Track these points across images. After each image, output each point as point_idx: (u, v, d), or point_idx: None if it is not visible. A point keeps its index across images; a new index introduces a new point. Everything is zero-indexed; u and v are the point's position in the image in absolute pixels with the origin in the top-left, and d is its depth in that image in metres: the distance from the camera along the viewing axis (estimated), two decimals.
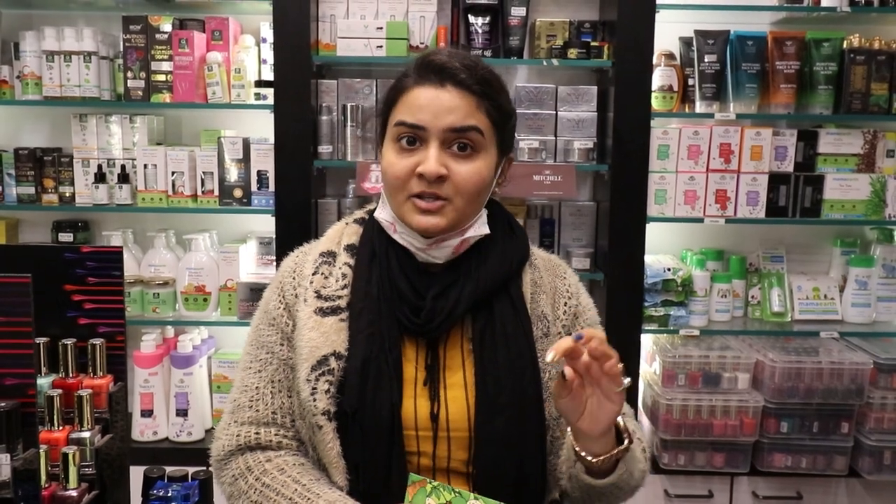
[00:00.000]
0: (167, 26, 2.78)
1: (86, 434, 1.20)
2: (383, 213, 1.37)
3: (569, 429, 1.25)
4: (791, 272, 2.99)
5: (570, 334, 1.38)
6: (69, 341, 1.26)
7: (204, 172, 2.84)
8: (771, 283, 2.94)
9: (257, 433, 1.34)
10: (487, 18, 2.79)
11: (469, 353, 1.33)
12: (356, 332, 1.31)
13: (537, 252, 1.47)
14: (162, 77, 2.80)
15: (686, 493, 2.80)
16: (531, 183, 2.67)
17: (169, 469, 1.29)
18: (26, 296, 1.05)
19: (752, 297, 2.98)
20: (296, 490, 1.26)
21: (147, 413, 2.84)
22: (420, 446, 1.30)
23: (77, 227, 2.97)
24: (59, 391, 1.20)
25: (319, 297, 1.34)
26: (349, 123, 2.75)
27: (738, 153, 2.79)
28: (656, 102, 2.78)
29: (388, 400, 1.27)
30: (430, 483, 1.23)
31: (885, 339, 2.93)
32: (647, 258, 2.80)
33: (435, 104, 1.27)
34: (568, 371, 1.15)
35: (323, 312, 1.33)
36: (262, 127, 2.88)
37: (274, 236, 2.76)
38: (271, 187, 2.77)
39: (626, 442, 1.23)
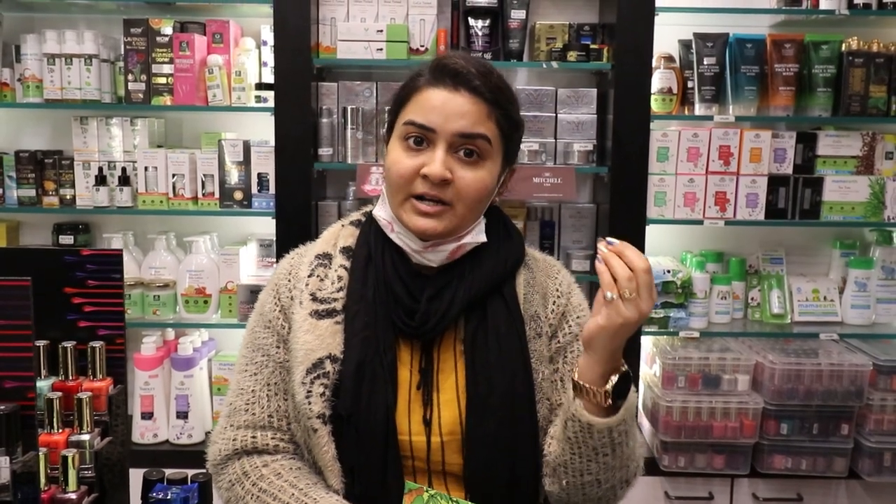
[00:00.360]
0: (168, 29, 2.79)
1: (85, 437, 1.20)
2: (382, 212, 1.37)
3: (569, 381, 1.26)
4: (790, 274, 2.99)
5: (556, 334, 1.40)
6: (69, 344, 1.27)
7: (204, 175, 2.85)
8: (770, 284, 2.94)
9: (254, 437, 1.34)
10: (487, 21, 2.79)
11: (461, 355, 1.33)
12: (351, 334, 1.31)
13: (533, 253, 1.47)
14: (163, 80, 2.80)
15: (686, 495, 2.80)
16: (531, 185, 2.68)
17: (168, 471, 1.29)
18: (26, 299, 1.06)
19: (752, 298, 2.98)
20: (292, 494, 1.26)
21: (147, 415, 2.84)
22: (414, 450, 1.30)
23: (78, 229, 2.97)
24: (59, 394, 1.20)
25: (315, 299, 1.34)
26: (349, 126, 2.76)
27: (738, 155, 2.79)
28: (656, 105, 2.78)
29: (382, 403, 1.27)
30: (428, 491, 1.23)
31: (884, 340, 2.93)
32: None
33: (447, 107, 1.27)
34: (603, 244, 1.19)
35: (318, 315, 1.33)
36: (262, 129, 2.88)
37: (274, 238, 2.77)
38: (272, 190, 2.78)
39: (623, 368, 1.23)
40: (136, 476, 1.32)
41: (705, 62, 2.78)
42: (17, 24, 2.97)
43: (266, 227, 2.86)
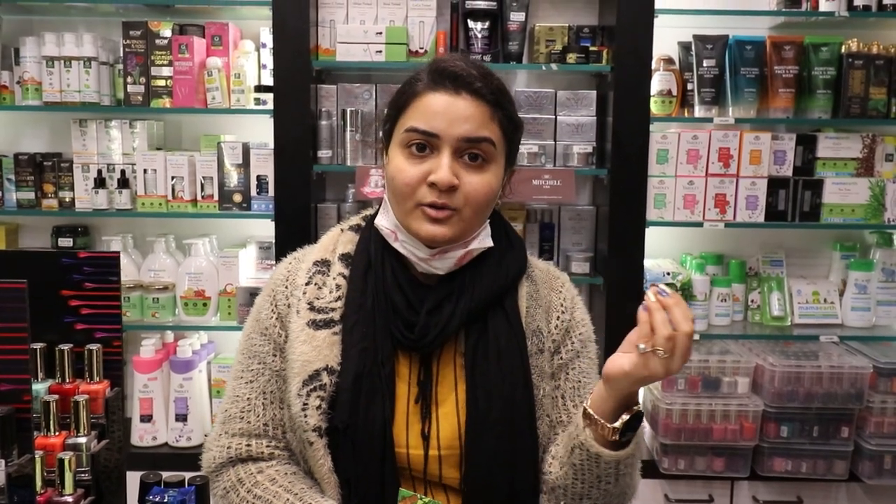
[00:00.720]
0: (167, 32, 2.79)
1: (82, 440, 1.19)
2: (384, 221, 1.33)
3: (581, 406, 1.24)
4: (791, 276, 2.99)
5: (559, 350, 1.37)
6: (66, 347, 1.26)
7: (204, 177, 2.85)
8: (770, 287, 2.94)
9: (248, 445, 1.33)
10: (487, 23, 2.79)
11: (461, 369, 1.30)
12: (349, 346, 1.29)
13: (537, 264, 1.44)
14: (162, 82, 2.80)
15: (686, 497, 2.80)
16: (530, 187, 2.68)
17: (165, 474, 1.29)
18: (22, 301, 1.05)
19: (752, 301, 2.97)
20: (288, 500, 1.25)
21: (146, 418, 2.84)
22: (411, 463, 1.28)
23: (77, 232, 2.97)
24: (56, 397, 1.20)
25: (312, 308, 1.32)
26: (349, 128, 2.76)
27: (738, 157, 2.79)
28: (655, 107, 2.78)
29: (380, 416, 1.25)
30: (421, 499, 1.23)
31: (884, 343, 2.93)
32: (647, 262, 2.79)
33: (450, 112, 1.24)
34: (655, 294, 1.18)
35: (316, 325, 1.30)
36: (261, 132, 2.88)
37: (273, 241, 2.76)
38: (271, 192, 2.77)
39: (636, 407, 1.21)
40: (134, 479, 1.31)
41: (705, 64, 2.78)
42: (16, 26, 2.97)
43: (265, 229, 2.86)
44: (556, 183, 2.70)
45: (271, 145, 2.73)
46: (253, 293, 2.77)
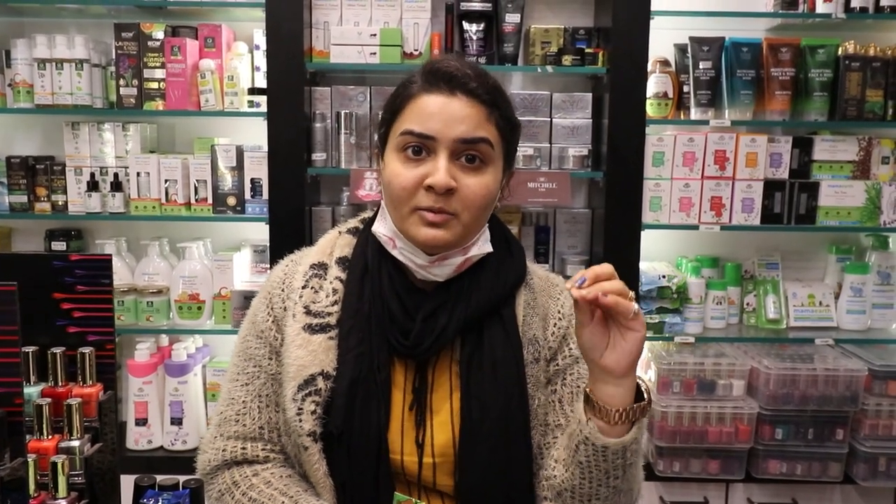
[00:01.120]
0: (159, 34, 2.78)
1: (75, 443, 1.18)
2: (382, 228, 1.31)
3: (579, 401, 1.21)
4: (786, 279, 2.99)
5: (555, 357, 1.35)
6: (58, 350, 1.25)
7: (197, 180, 2.83)
8: (766, 289, 2.94)
9: (244, 448, 1.32)
10: (482, 25, 2.78)
11: (457, 377, 1.29)
12: (345, 351, 1.27)
13: (536, 271, 1.42)
14: (154, 84, 2.79)
15: (682, 500, 2.79)
16: (526, 190, 2.67)
17: (160, 478, 1.28)
18: (12, 304, 1.04)
19: (748, 304, 2.97)
20: (283, 503, 1.24)
21: (141, 422, 2.83)
22: (405, 470, 1.27)
23: (70, 235, 2.96)
24: (48, 400, 1.19)
25: (308, 312, 1.30)
26: (343, 131, 2.75)
27: (734, 160, 2.79)
28: (651, 109, 2.78)
29: (375, 422, 1.24)
30: (417, 503, 1.22)
31: (879, 345, 2.93)
32: (643, 265, 2.79)
33: (445, 113, 1.22)
34: (576, 292, 1.10)
35: (312, 329, 1.29)
36: (255, 134, 2.87)
37: (268, 244, 2.75)
38: (265, 195, 2.76)
39: (645, 397, 1.17)
40: (128, 482, 1.30)
41: (701, 66, 2.78)
42: (6, 28, 2.96)
43: (260, 232, 2.85)
44: (551, 186, 2.70)
45: (265, 148, 2.72)
46: (247, 296, 2.76)
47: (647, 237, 2.76)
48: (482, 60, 2.75)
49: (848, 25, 2.85)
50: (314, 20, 2.76)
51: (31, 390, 1.22)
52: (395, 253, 1.29)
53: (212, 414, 2.91)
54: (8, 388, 1.05)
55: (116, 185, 2.82)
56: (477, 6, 2.77)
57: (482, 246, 1.30)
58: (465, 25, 2.79)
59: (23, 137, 3.04)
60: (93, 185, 2.82)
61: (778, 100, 2.78)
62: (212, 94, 2.79)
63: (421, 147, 1.23)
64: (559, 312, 1.37)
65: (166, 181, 2.82)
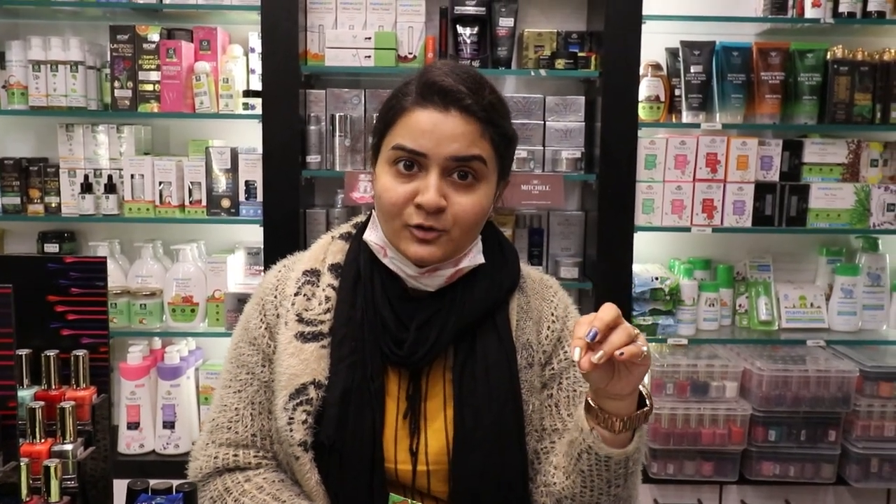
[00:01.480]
0: (155, 36, 2.78)
1: (68, 447, 1.18)
2: (373, 237, 1.30)
3: (579, 409, 1.19)
4: (778, 281, 3.00)
5: (550, 360, 1.34)
6: (52, 353, 1.25)
7: (191, 182, 2.84)
8: (758, 291, 2.95)
9: (235, 455, 1.31)
10: (475, 29, 2.79)
11: (451, 384, 1.28)
12: (338, 360, 1.26)
13: (530, 273, 1.40)
14: (149, 87, 2.79)
15: (675, 502, 2.80)
16: (520, 193, 2.68)
17: (153, 482, 1.28)
18: (7, 306, 1.04)
19: (740, 305, 2.99)
20: None
21: (133, 425, 2.82)
22: (399, 477, 1.27)
23: (63, 237, 2.96)
24: (42, 403, 1.18)
25: (301, 320, 1.29)
26: (337, 133, 2.75)
27: (725, 163, 2.80)
28: (643, 112, 2.79)
29: (369, 432, 1.23)
30: (412, 503, 1.22)
31: (870, 346, 2.95)
32: (635, 267, 2.80)
33: (437, 130, 1.19)
34: (584, 362, 1.06)
35: (304, 338, 1.28)
36: (250, 137, 2.88)
37: (262, 246, 2.75)
38: (259, 197, 2.77)
39: (647, 403, 1.16)
40: (121, 487, 1.30)
41: (692, 70, 2.79)
42: (1, 30, 2.96)
43: (254, 234, 2.85)
44: (545, 188, 2.71)
45: (260, 150, 2.72)
46: (241, 299, 2.76)
47: (639, 239, 2.77)
48: (476, 64, 2.76)
49: (836, 30, 2.87)
50: (309, 23, 2.77)
51: (25, 393, 1.22)
52: (385, 262, 1.28)
53: (204, 418, 2.91)
54: (2, 392, 1.06)
55: (110, 187, 2.82)
56: (471, 10, 2.78)
57: (474, 257, 1.29)
58: (459, 29, 2.80)
59: (16, 139, 3.03)
60: (86, 187, 2.82)
61: (768, 103, 2.80)
62: (207, 96, 2.79)
63: (413, 162, 1.21)
64: (552, 315, 1.36)
65: (160, 183, 2.82)
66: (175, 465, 2.70)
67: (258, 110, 2.72)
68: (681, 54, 2.81)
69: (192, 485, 1.26)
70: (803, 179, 2.85)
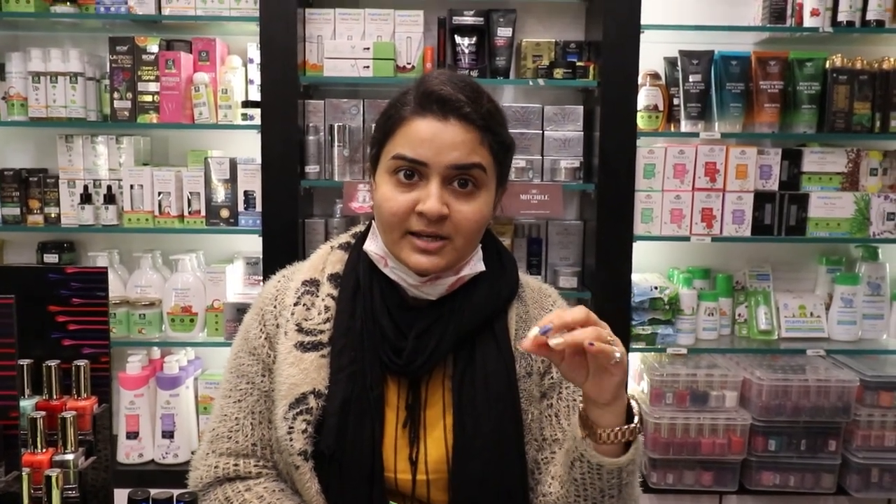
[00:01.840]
0: (154, 47, 2.79)
1: (69, 456, 1.18)
2: (373, 246, 1.30)
3: (574, 417, 1.19)
4: (777, 290, 3.00)
5: (549, 370, 1.33)
6: (53, 363, 1.25)
7: (191, 193, 2.84)
8: (757, 301, 2.95)
9: (236, 465, 1.31)
10: (474, 39, 2.80)
11: (450, 392, 1.28)
12: (337, 369, 1.26)
13: (528, 283, 1.41)
14: (148, 98, 2.80)
15: None
16: (518, 202, 2.69)
17: (154, 491, 1.28)
18: (9, 317, 1.04)
19: (739, 315, 2.99)
20: None
21: (133, 435, 2.82)
22: (399, 487, 1.27)
23: (63, 248, 2.96)
24: (43, 413, 1.18)
25: (300, 330, 1.29)
26: (336, 143, 2.76)
27: (724, 172, 2.81)
28: (642, 122, 2.80)
29: (369, 441, 1.23)
30: None
31: (871, 356, 2.95)
32: (634, 277, 2.80)
33: (437, 139, 1.19)
34: (526, 341, 1.06)
35: (304, 347, 1.28)
36: (249, 147, 2.88)
37: (261, 256, 2.75)
38: (258, 207, 2.77)
39: (636, 420, 1.15)
40: (121, 497, 1.30)
41: (691, 79, 2.80)
42: (1, 42, 2.97)
43: (253, 244, 2.85)
44: (543, 198, 2.71)
45: (258, 160, 2.72)
46: (240, 309, 2.76)
47: (638, 249, 2.77)
48: (474, 73, 2.77)
49: (835, 39, 2.88)
50: (308, 34, 2.78)
51: (26, 403, 1.22)
52: (386, 271, 1.28)
53: (204, 428, 2.91)
54: (4, 402, 1.05)
55: (110, 198, 2.82)
56: (469, 20, 2.80)
57: (475, 265, 1.30)
58: (458, 39, 2.81)
59: (16, 150, 3.04)
60: (86, 198, 2.82)
61: (767, 112, 2.81)
62: (206, 107, 2.80)
63: (413, 172, 1.21)
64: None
65: (160, 193, 2.82)
66: (174, 475, 2.71)
67: (257, 121, 2.73)
68: (679, 63, 2.82)
69: (192, 494, 1.26)
70: (803, 188, 2.86)
